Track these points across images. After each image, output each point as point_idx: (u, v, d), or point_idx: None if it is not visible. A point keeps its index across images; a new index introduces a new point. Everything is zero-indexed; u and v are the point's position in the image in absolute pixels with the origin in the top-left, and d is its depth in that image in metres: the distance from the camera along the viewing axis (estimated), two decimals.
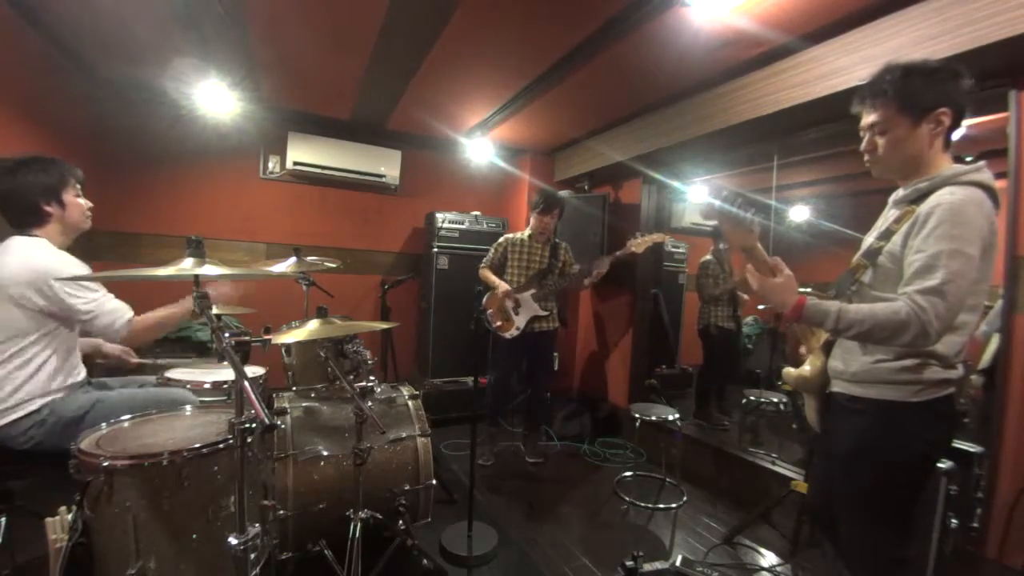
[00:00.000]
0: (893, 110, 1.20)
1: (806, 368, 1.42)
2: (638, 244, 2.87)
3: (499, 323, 3.02)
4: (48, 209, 1.64)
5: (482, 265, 3.18)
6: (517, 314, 3.00)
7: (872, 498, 1.25)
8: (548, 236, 3.11)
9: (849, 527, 1.32)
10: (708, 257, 3.69)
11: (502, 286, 3.01)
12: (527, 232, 3.12)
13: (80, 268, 1.61)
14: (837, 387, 1.33)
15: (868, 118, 1.25)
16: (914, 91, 1.18)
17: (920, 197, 1.20)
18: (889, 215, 1.30)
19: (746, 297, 3.67)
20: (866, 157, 1.30)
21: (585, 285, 2.97)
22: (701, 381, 3.85)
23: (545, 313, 3.04)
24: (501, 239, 3.17)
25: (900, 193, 1.28)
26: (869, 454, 1.24)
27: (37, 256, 1.56)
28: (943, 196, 1.13)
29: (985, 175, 1.16)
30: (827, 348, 1.38)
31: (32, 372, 1.55)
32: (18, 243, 1.59)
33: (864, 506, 1.27)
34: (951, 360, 1.16)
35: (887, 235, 1.23)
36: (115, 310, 1.63)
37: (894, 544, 1.26)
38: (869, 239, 1.32)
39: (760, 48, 2.28)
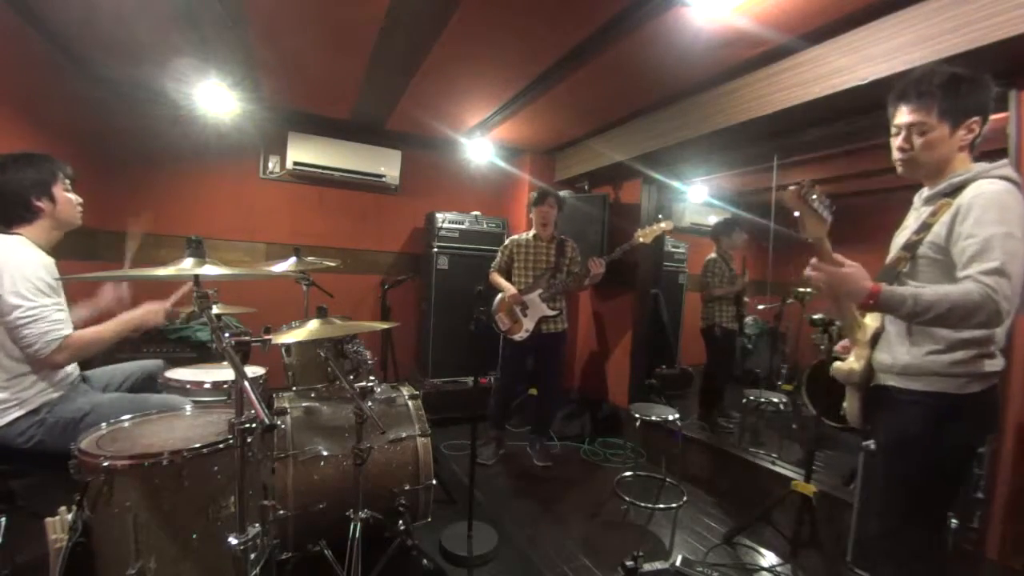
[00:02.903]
0: (935, 113, 1.24)
1: (855, 363, 1.44)
2: (646, 234, 2.84)
3: (508, 325, 3.03)
4: (39, 204, 1.62)
5: (491, 269, 3.19)
6: (525, 316, 3.00)
7: (914, 488, 1.28)
8: (552, 233, 3.11)
9: (884, 518, 1.34)
10: (713, 256, 3.68)
11: (509, 289, 3.02)
12: (531, 232, 3.13)
13: (46, 271, 1.55)
14: (888, 380, 1.35)
15: (907, 117, 1.29)
16: (958, 98, 1.23)
17: (955, 191, 1.25)
18: (921, 212, 1.35)
19: (747, 299, 3.67)
20: (898, 155, 1.33)
21: (585, 285, 2.94)
22: (706, 383, 3.82)
23: (553, 313, 3.01)
24: (507, 241, 3.18)
25: (932, 190, 1.33)
26: (917, 445, 1.27)
27: (4, 254, 1.52)
28: (983, 186, 1.19)
29: (1011, 171, 1.22)
30: (873, 342, 1.40)
31: (26, 371, 1.55)
32: None
33: (905, 496, 1.30)
34: (995, 351, 1.21)
35: (925, 228, 1.28)
36: (50, 328, 1.50)
37: (925, 536, 1.29)
38: (903, 235, 1.37)
39: (760, 48, 2.28)
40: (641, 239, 2.85)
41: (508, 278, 3.12)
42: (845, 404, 1.50)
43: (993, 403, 1.26)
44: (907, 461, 1.29)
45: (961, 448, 1.26)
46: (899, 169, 1.35)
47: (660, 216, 3.03)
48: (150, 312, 1.77)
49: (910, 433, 1.28)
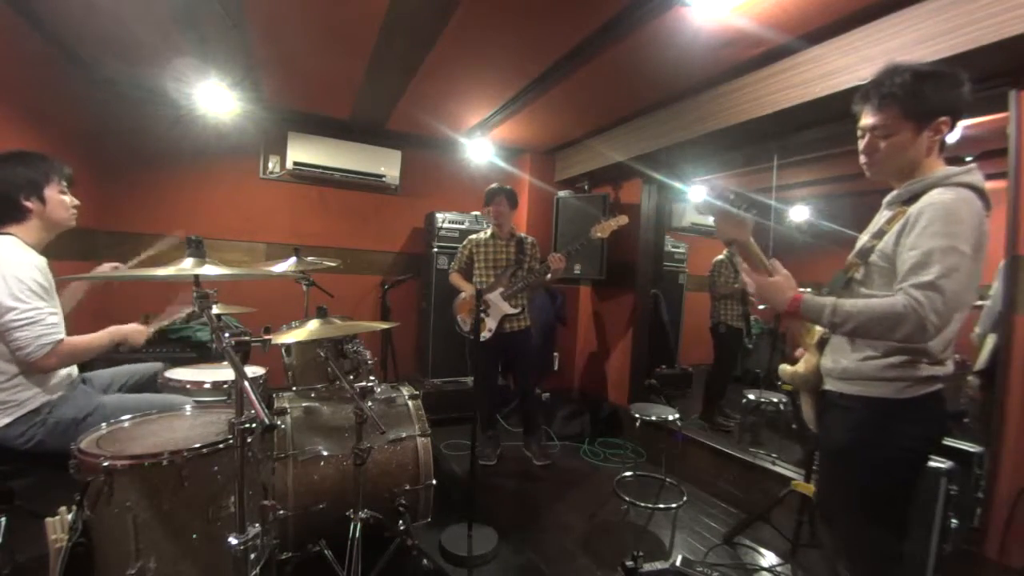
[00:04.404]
0: (898, 114, 1.19)
1: (801, 366, 1.44)
2: (603, 228, 2.85)
3: (471, 326, 2.97)
4: (28, 204, 1.59)
5: (451, 270, 3.15)
6: (488, 315, 2.95)
7: (864, 494, 1.26)
8: (511, 231, 3.09)
9: (845, 523, 1.33)
10: (720, 257, 3.73)
11: (470, 289, 2.98)
12: (489, 231, 3.11)
13: (39, 273, 1.54)
14: (829, 385, 1.35)
15: (870, 119, 1.24)
16: (921, 98, 1.16)
17: (912, 198, 1.21)
18: (882, 215, 1.32)
19: (753, 298, 3.70)
20: (863, 158, 1.29)
21: (547, 280, 2.90)
22: (710, 381, 3.83)
23: (515, 311, 2.97)
24: (465, 241, 3.15)
25: (893, 194, 1.30)
26: (859, 451, 1.25)
27: None
28: (934, 196, 1.14)
29: (975, 176, 1.17)
30: (821, 346, 1.39)
31: (26, 371, 1.54)
32: None
33: (857, 502, 1.28)
34: (938, 356, 1.17)
35: (879, 235, 1.25)
36: (44, 332, 1.49)
37: (889, 540, 1.27)
38: (863, 239, 1.33)
39: (760, 48, 2.27)
40: (598, 234, 2.85)
41: (469, 278, 3.09)
42: (803, 409, 1.48)
43: (938, 408, 1.21)
44: (848, 466, 1.28)
45: (903, 453, 1.22)
46: (866, 173, 1.30)
47: (616, 212, 3.03)
48: (136, 332, 1.79)
49: (849, 438, 1.26)
